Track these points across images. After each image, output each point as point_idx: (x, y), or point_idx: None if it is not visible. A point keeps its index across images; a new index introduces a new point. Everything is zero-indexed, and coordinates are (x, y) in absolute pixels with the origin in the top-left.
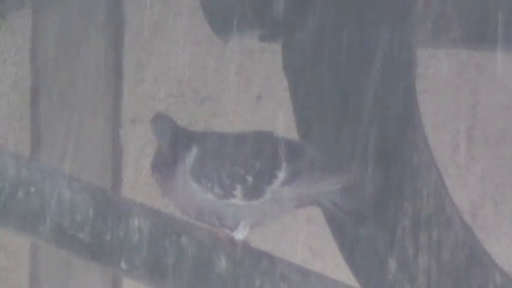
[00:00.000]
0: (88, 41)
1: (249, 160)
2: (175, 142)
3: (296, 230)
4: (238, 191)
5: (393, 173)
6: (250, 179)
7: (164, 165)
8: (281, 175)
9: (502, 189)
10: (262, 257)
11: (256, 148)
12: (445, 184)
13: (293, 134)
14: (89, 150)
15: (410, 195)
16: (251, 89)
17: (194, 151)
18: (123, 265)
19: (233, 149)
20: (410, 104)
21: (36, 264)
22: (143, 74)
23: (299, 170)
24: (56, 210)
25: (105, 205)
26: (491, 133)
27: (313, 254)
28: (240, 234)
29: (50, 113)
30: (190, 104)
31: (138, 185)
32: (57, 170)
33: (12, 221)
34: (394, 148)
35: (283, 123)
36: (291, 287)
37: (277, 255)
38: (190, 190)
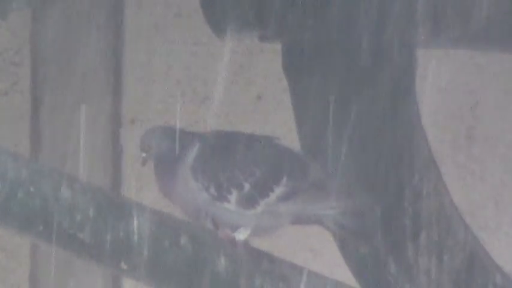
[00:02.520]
0: (88, 41)
1: (250, 167)
2: (176, 143)
3: (296, 230)
4: (233, 196)
5: (393, 173)
6: (247, 186)
7: (166, 164)
8: (278, 190)
9: (502, 189)
10: (262, 257)
11: (260, 156)
12: (445, 184)
13: (293, 134)
14: (89, 150)
15: (410, 195)
16: (251, 89)
17: (196, 147)
18: (123, 265)
19: (237, 152)
20: (411, 104)
21: (36, 264)
22: (143, 74)
23: (298, 188)
24: (55, 210)
25: (105, 205)
26: (491, 133)
27: (313, 254)
28: (240, 235)
29: (50, 113)
30: (190, 104)
31: (138, 185)
32: (57, 170)
33: (12, 220)
34: (394, 148)
35: (283, 123)
36: (291, 287)
37: (277, 255)
38: (188, 186)
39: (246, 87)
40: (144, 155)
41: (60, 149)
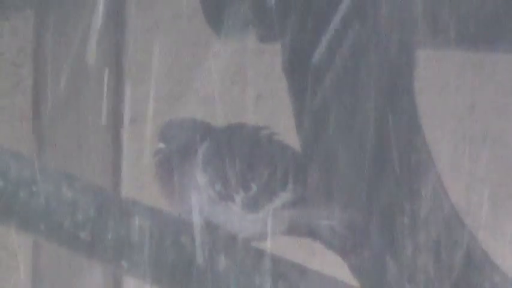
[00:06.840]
0: (88, 42)
1: (258, 168)
2: (192, 136)
3: None
4: (239, 196)
5: (392, 173)
6: (254, 188)
7: (177, 156)
8: (284, 195)
9: (501, 189)
10: (262, 256)
11: (268, 157)
12: (444, 184)
13: (293, 134)
14: (90, 150)
15: (409, 195)
16: (251, 89)
17: (208, 141)
18: (123, 264)
19: (247, 151)
20: (410, 104)
21: (38, 263)
22: (143, 74)
23: (302, 196)
24: (57, 210)
25: (106, 204)
26: (490, 133)
27: (313, 253)
28: (241, 234)
29: (51, 113)
30: (190, 104)
31: (138, 185)
32: (58, 169)
33: (14, 220)
34: (393, 149)
35: (283, 123)
36: (291, 286)
37: (277, 255)
38: (195, 179)
39: (246, 87)
40: (162, 146)
41: (61, 149)
